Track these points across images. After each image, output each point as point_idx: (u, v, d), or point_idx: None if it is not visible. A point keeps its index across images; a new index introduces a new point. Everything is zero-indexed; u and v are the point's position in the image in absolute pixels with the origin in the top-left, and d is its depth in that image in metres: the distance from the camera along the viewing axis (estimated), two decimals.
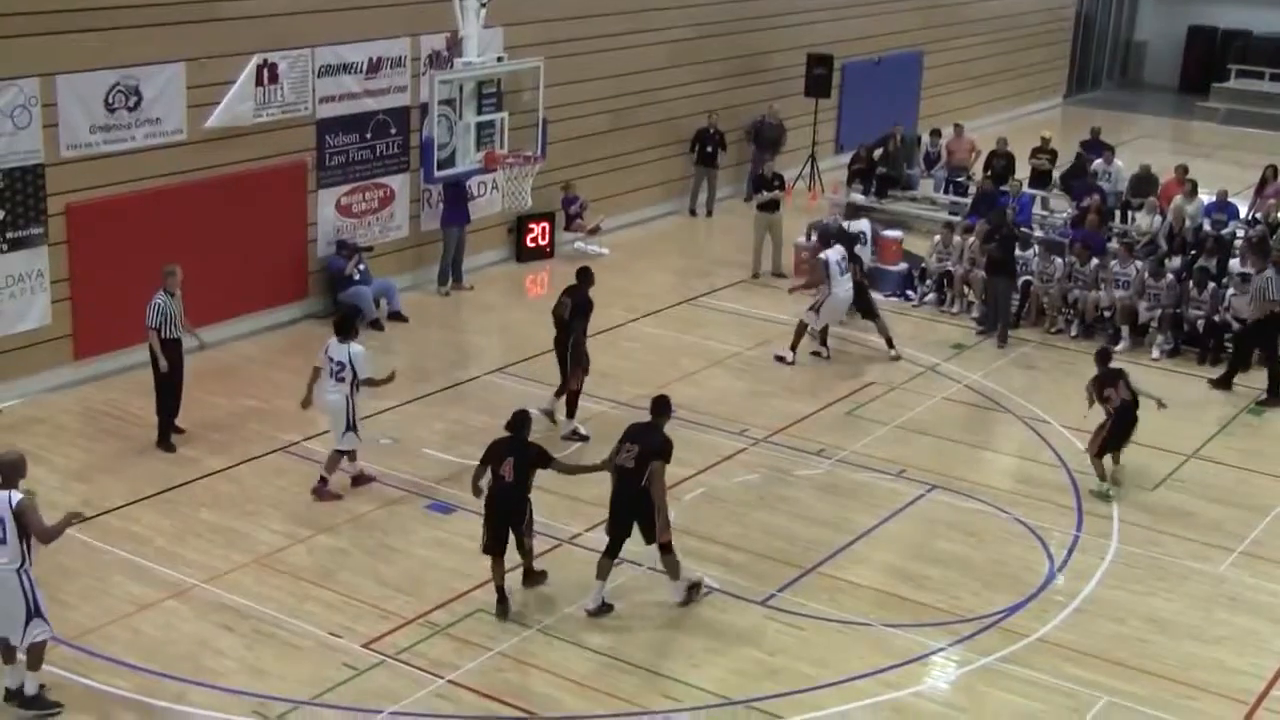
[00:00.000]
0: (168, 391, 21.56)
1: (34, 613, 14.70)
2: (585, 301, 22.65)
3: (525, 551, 17.72)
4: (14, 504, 14.55)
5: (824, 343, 26.62)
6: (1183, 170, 33.19)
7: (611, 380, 24.57)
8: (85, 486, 20.17)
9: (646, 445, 17.46)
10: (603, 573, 17.67)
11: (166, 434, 21.62)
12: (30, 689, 14.97)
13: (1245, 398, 25.38)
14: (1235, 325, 26.73)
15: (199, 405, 22.57)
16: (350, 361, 19.92)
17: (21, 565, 14.62)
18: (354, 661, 16.31)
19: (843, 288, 26.16)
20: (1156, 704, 16.19)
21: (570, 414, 22.64)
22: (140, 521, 19.34)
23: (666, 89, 34.58)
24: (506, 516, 17.34)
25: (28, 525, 14.56)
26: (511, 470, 17.23)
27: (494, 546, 17.37)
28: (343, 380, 19.94)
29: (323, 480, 20.23)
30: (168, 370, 21.31)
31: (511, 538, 17.38)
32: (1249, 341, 25.95)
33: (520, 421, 17.76)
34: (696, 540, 19.35)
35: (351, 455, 20.49)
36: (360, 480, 20.61)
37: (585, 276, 22.78)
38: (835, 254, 26.15)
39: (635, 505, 17.41)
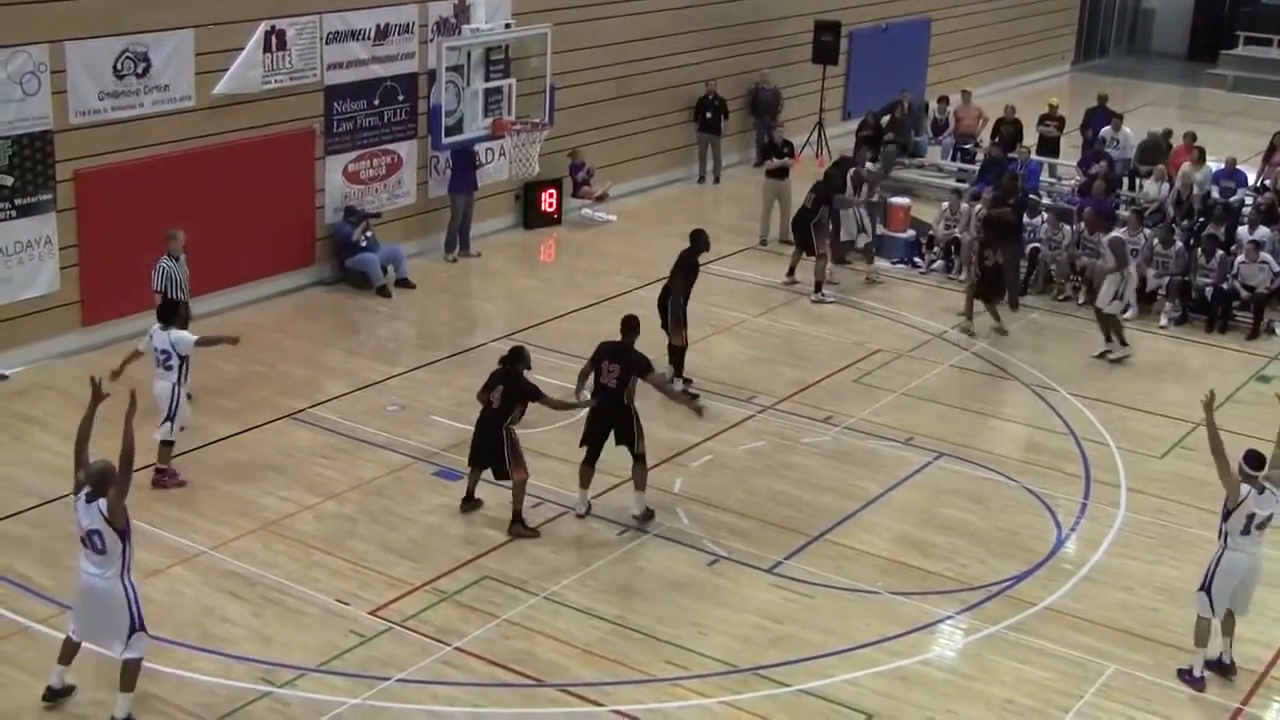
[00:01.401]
0: None
1: (138, 625, 14.28)
2: (690, 264, 23.37)
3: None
4: (104, 513, 14.01)
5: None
6: (1191, 137, 33.11)
7: None
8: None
9: (628, 364, 19.09)
10: (586, 480, 19.19)
11: None
12: (121, 712, 14.37)
13: (1253, 365, 25.34)
14: (1243, 293, 26.72)
15: (206, 371, 22.53)
16: (173, 348, 18.86)
17: (123, 572, 14.19)
18: (361, 629, 16.33)
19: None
20: (1164, 673, 16.20)
21: (678, 372, 22.98)
22: (145, 488, 19.29)
23: (675, 55, 34.49)
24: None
25: (109, 507, 14.03)
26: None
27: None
28: (170, 368, 18.93)
29: (159, 471, 19.39)
30: None
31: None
32: None
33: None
34: (703, 507, 19.38)
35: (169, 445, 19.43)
36: (165, 483, 19.49)
37: (696, 239, 23.50)
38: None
39: (616, 419, 18.97)
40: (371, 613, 16.65)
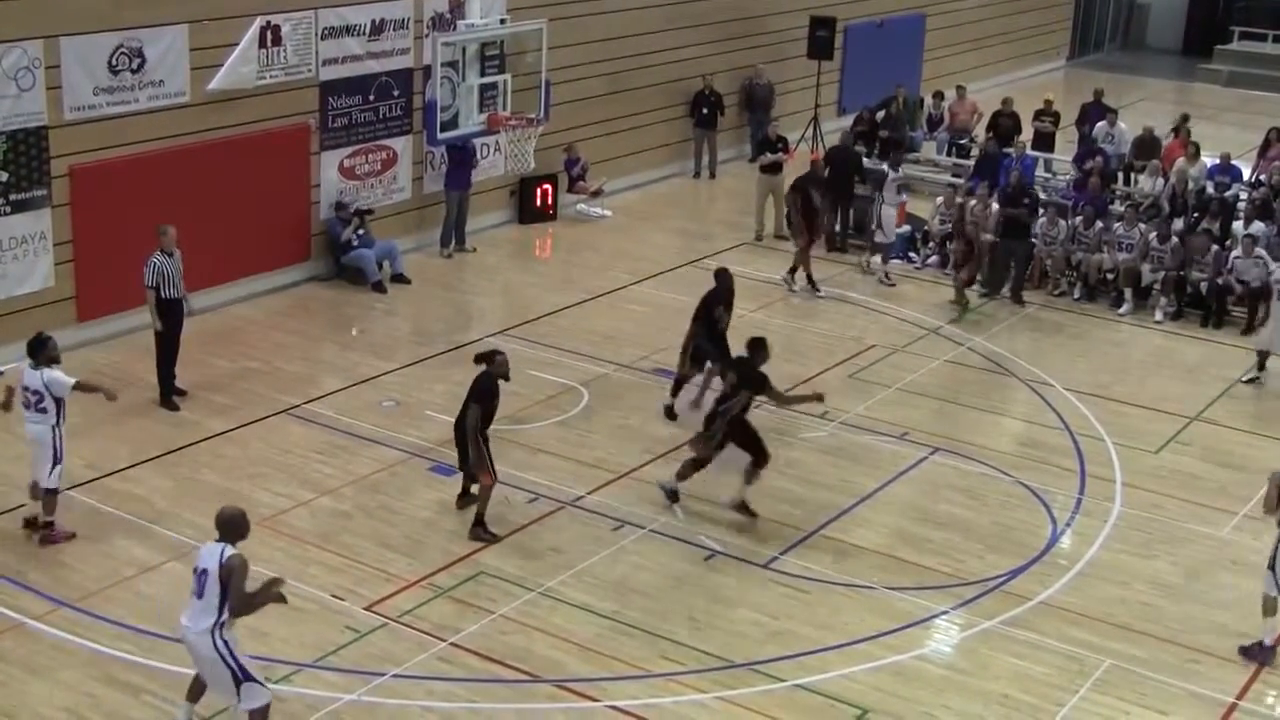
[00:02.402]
0: (167, 350, 21.61)
1: (243, 676, 13.42)
2: (708, 301, 22.31)
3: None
4: (224, 558, 13.25)
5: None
6: (1186, 133, 33.11)
7: (613, 342, 24.61)
8: (88, 448, 20.16)
9: (745, 383, 18.98)
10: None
11: (168, 393, 21.66)
12: None
13: (1248, 360, 25.34)
14: (1237, 288, 26.74)
15: (201, 367, 22.59)
16: (47, 389, 17.40)
17: (215, 626, 13.21)
18: (356, 624, 16.33)
19: None
20: (1159, 667, 16.21)
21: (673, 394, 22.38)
22: (142, 484, 19.35)
23: (670, 50, 34.48)
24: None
25: (230, 586, 13.22)
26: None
27: None
28: (43, 410, 17.45)
29: (48, 525, 17.84)
30: (163, 330, 21.38)
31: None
32: None
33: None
34: (700, 502, 19.36)
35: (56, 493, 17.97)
36: (46, 532, 17.91)
37: (719, 278, 22.66)
38: None
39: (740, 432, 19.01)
40: (367, 608, 16.65)
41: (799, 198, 27.88)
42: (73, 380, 17.60)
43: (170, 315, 21.43)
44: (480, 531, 18.23)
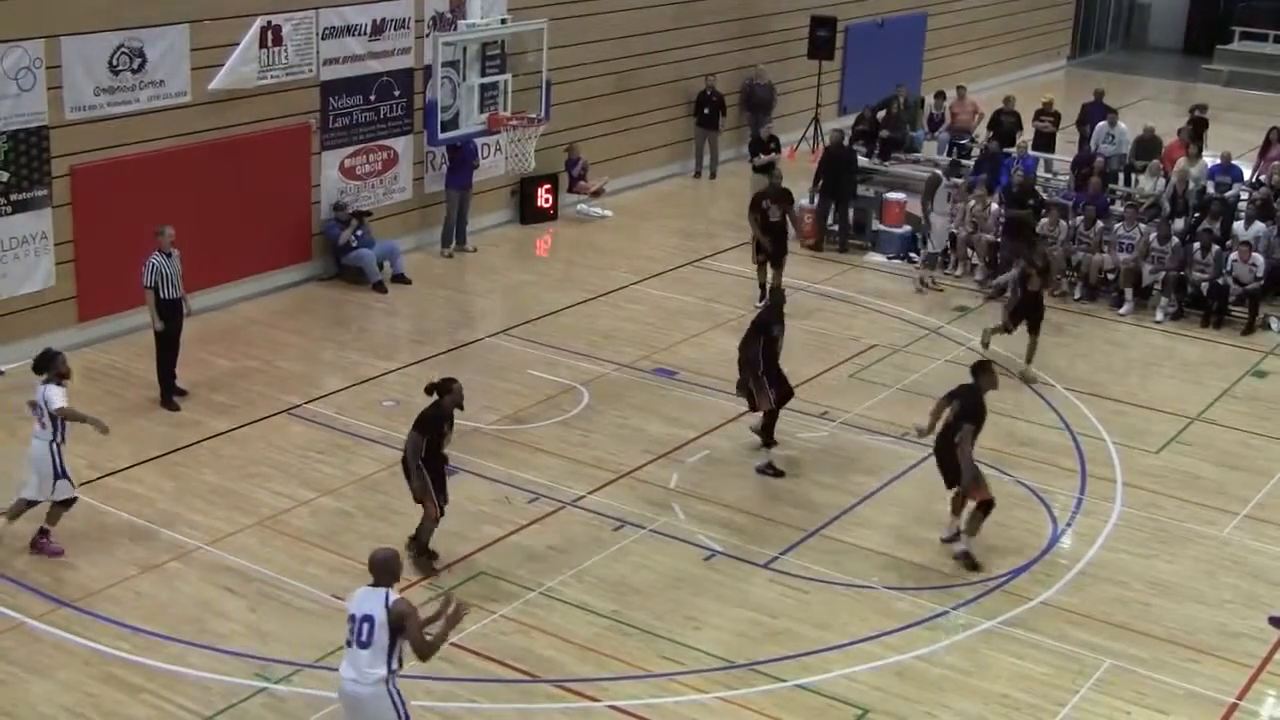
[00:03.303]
0: (167, 350, 21.65)
1: None
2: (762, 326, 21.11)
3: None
4: (390, 603, 12.55)
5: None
6: (1186, 132, 33.11)
7: (614, 342, 24.61)
8: (88, 448, 20.13)
9: (963, 407, 18.39)
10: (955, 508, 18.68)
11: (169, 393, 21.67)
12: None
13: (1249, 360, 25.36)
14: (1235, 288, 26.74)
15: (202, 367, 22.59)
16: (45, 404, 17.31)
17: (390, 676, 12.60)
18: None
19: None
20: (1159, 667, 16.21)
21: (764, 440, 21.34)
22: (143, 483, 19.37)
23: (670, 50, 34.48)
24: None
25: (406, 635, 12.58)
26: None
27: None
28: (43, 425, 17.34)
29: (43, 532, 17.65)
30: (162, 329, 21.40)
31: None
32: None
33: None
34: (699, 502, 19.37)
35: (66, 505, 17.74)
36: (43, 546, 17.67)
37: (773, 304, 21.50)
38: None
39: (943, 457, 18.43)
40: None
41: (756, 215, 26.77)
42: (62, 403, 17.23)
43: (169, 315, 21.44)
44: (424, 562, 17.43)
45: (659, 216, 32.64)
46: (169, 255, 21.31)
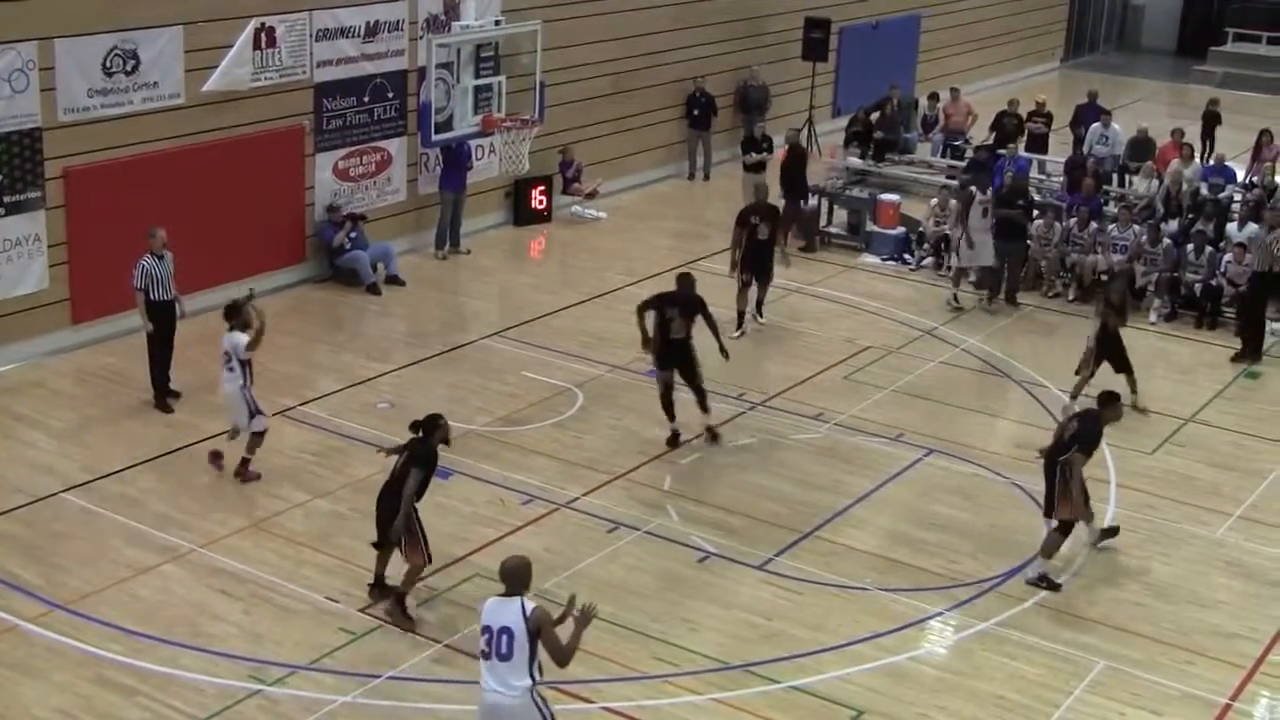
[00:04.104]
0: (160, 352, 21.67)
1: None
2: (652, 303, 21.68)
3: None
4: (529, 613, 12.43)
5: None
6: (1180, 134, 33.16)
7: (608, 344, 24.60)
8: (82, 450, 20.19)
9: (1078, 432, 18.03)
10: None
11: (162, 395, 21.66)
12: None
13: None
14: (1229, 290, 26.73)
15: (195, 369, 22.56)
16: (234, 350, 19.46)
17: (534, 687, 12.50)
18: (351, 626, 16.32)
19: None
20: (1154, 668, 16.22)
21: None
22: (137, 486, 19.36)
23: (664, 52, 34.48)
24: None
25: (544, 642, 12.52)
26: None
27: None
28: (231, 370, 19.45)
29: (244, 462, 19.65)
30: (154, 332, 21.41)
31: None
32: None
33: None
34: (693, 504, 19.38)
35: (261, 436, 19.77)
36: (246, 475, 19.75)
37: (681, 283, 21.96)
38: None
39: (1049, 479, 17.99)
40: (362, 610, 16.65)
41: (744, 231, 25.73)
42: (246, 341, 19.46)
43: (161, 317, 21.41)
44: (398, 612, 16.48)
45: (653, 218, 32.64)
46: (160, 257, 21.28)
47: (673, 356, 21.20)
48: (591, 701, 15.24)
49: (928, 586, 17.72)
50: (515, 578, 12.59)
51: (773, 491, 19.96)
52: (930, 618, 17.13)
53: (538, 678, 12.51)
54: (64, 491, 18.99)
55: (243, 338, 19.34)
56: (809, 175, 31.30)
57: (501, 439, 21.07)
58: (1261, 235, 26.14)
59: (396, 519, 16.20)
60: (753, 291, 25.73)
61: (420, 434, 16.57)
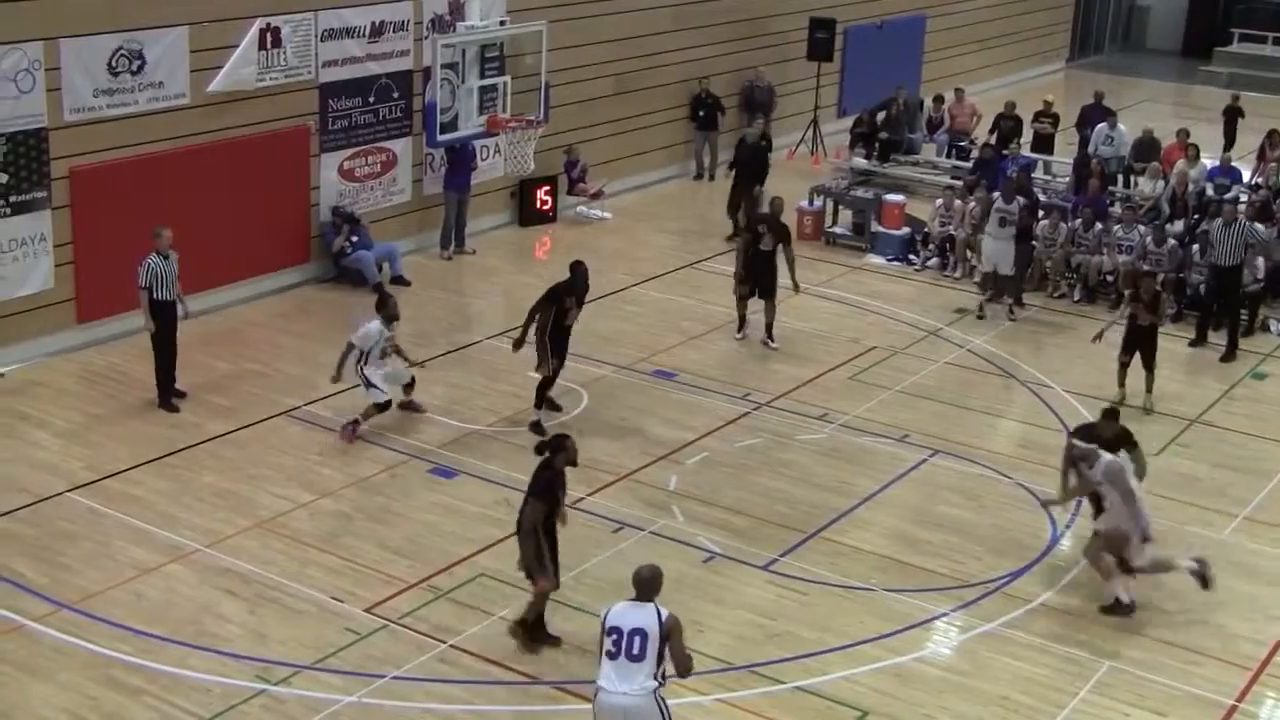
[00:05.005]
0: (164, 352, 21.66)
1: None
2: (555, 297, 21.67)
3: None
4: (664, 619, 12.78)
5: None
6: (1185, 134, 33.13)
7: (613, 344, 24.60)
8: (87, 450, 20.19)
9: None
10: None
11: (167, 394, 21.66)
12: None
13: (1248, 361, 25.36)
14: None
15: (201, 369, 22.59)
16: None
17: (659, 688, 12.78)
18: (356, 626, 16.32)
19: None
20: (1159, 669, 16.20)
21: (538, 404, 21.82)
22: (142, 485, 19.36)
23: (669, 52, 34.47)
24: None
25: (671, 648, 12.84)
26: None
27: None
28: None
29: (356, 423, 21.08)
30: (157, 331, 21.40)
31: None
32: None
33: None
34: (698, 504, 19.37)
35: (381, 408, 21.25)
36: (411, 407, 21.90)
37: (574, 274, 21.90)
38: None
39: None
40: (367, 610, 16.65)
41: (750, 238, 25.19)
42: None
43: (164, 317, 21.39)
44: (525, 637, 16.15)
45: (658, 219, 32.63)
46: (165, 257, 21.28)
47: (564, 343, 21.69)
48: None
49: (933, 587, 17.71)
50: (649, 585, 13.08)
51: (778, 492, 19.96)
52: (935, 618, 17.13)
53: (662, 680, 12.83)
54: (69, 491, 19.00)
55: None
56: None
57: (506, 439, 21.07)
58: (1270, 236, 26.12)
59: (524, 554, 16.06)
60: (754, 314, 25.44)
61: (546, 455, 16.26)
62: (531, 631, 16.16)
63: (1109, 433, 18.37)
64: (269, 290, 26.41)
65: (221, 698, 14.99)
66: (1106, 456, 17.47)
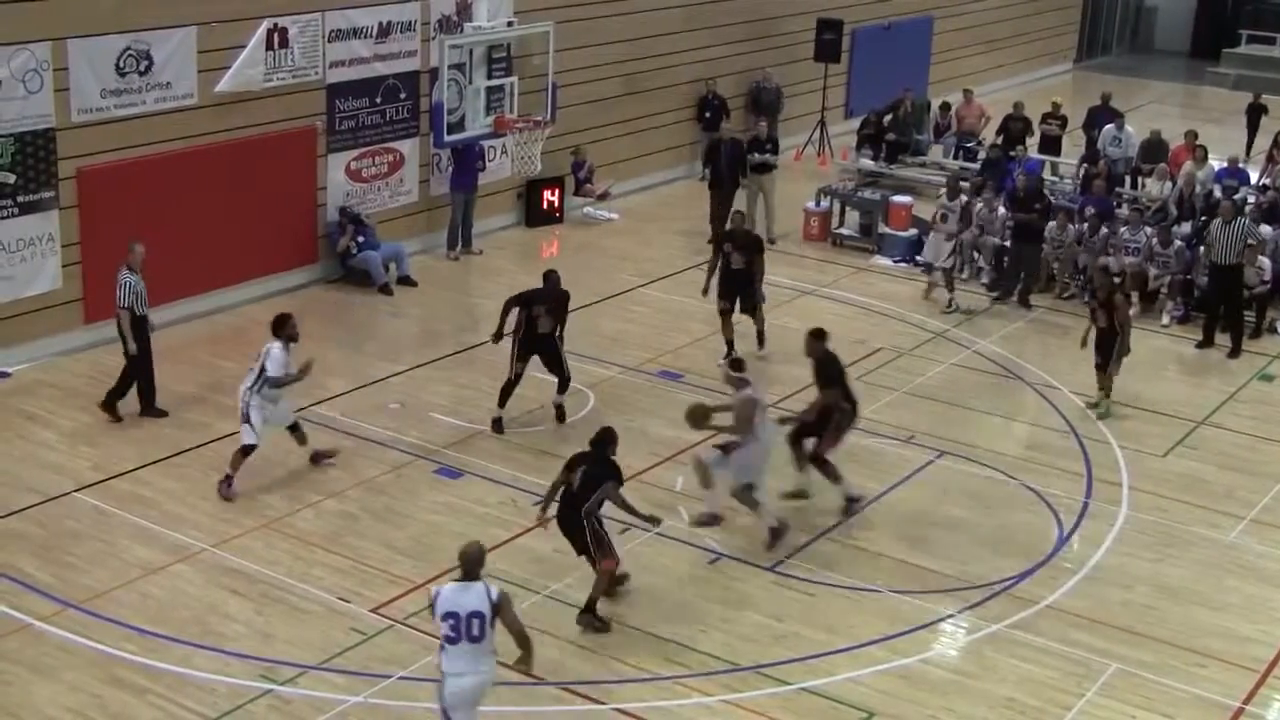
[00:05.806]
0: (141, 372, 21.38)
1: None
2: (524, 301, 21.60)
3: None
4: (494, 597, 13.02)
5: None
6: (1193, 136, 33.10)
7: (620, 345, 24.61)
8: (94, 450, 20.21)
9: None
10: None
11: (150, 405, 21.48)
12: None
13: (1255, 364, 25.34)
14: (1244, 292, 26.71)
15: (207, 368, 22.62)
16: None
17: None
18: (362, 626, 16.33)
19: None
20: (1165, 671, 16.19)
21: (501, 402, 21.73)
22: (149, 485, 19.37)
23: (677, 53, 34.47)
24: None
25: (506, 622, 13.19)
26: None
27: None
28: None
29: (229, 479, 19.32)
30: (137, 352, 21.13)
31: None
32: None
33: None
34: (704, 506, 19.33)
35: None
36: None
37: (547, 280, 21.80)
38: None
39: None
40: (373, 610, 16.66)
41: (718, 258, 24.65)
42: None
43: (143, 335, 21.17)
44: (590, 618, 16.56)
45: (665, 219, 32.62)
46: (139, 273, 20.98)
47: (533, 349, 21.44)
48: (603, 702, 15.24)
49: (939, 588, 17.70)
50: (477, 562, 13.20)
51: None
52: (941, 620, 17.12)
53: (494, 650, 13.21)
54: (76, 491, 19.02)
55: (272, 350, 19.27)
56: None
57: (513, 440, 21.07)
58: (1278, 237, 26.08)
59: (584, 536, 16.43)
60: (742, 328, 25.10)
61: (595, 447, 16.69)
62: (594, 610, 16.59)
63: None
64: (276, 290, 26.41)
65: (227, 697, 15.00)
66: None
